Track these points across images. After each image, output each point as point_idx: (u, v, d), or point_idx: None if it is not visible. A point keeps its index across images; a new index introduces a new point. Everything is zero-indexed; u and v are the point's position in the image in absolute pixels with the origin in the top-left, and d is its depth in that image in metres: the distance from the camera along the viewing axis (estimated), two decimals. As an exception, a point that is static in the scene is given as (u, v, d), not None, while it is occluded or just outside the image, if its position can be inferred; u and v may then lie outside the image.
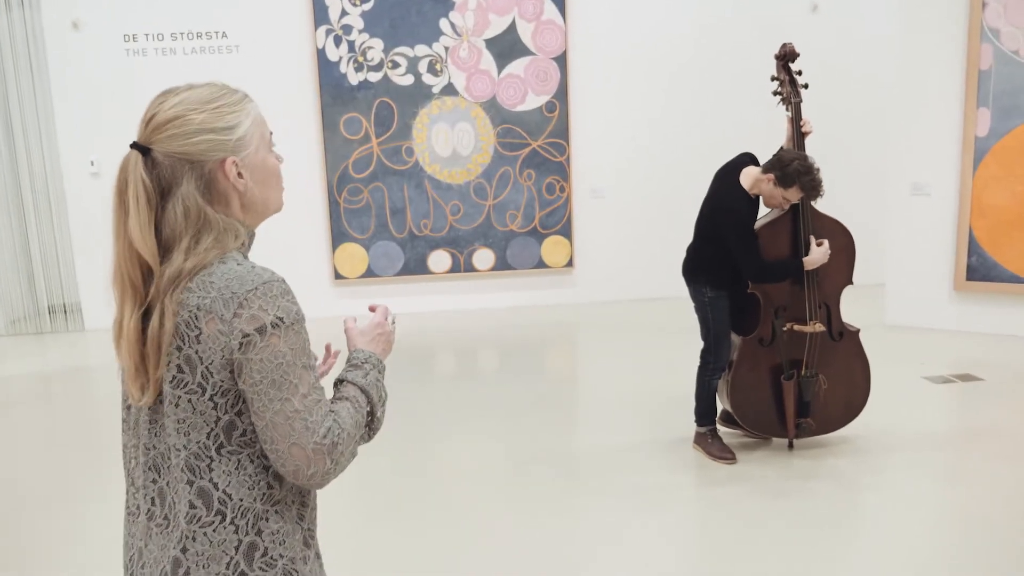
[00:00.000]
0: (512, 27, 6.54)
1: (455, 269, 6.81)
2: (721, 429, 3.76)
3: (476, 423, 4.19)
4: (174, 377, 1.09)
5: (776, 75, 3.47)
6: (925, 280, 5.57)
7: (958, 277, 5.43)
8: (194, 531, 1.10)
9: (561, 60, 6.61)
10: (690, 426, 3.67)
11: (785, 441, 3.64)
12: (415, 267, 6.76)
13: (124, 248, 1.12)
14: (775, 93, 3.47)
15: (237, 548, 1.11)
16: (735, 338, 3.51)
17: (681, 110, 6.80)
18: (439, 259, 6.78)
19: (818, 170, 3.17)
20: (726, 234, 3.31)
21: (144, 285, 1.12)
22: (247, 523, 1.12)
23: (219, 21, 6.39)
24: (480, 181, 6.73)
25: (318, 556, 1.25)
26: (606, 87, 6.73)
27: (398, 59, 6.51)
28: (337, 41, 6.43)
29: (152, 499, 1.15)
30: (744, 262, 3.27)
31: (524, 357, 5.52)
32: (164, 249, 1.11)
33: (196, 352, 1.08)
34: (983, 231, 5.31)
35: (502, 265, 6.85)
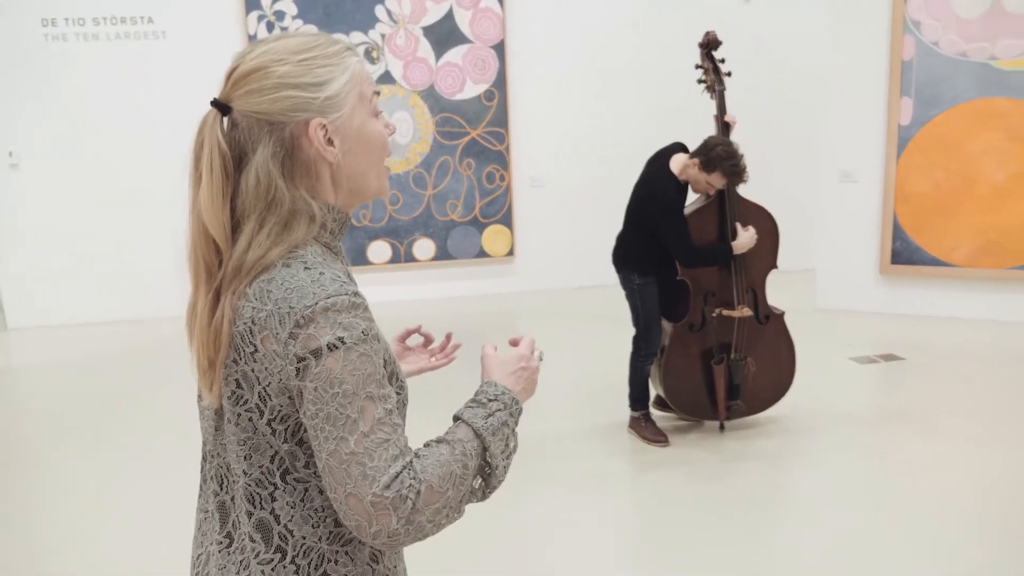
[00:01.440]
0: (449, 15, 6.48)
1: (395, 259, 6.75)
2: (655, 413, 3.83)
3: (416, 414, 4.16)
4: (233, 392, 0.95)
5: (700, 63, 3.52)
6: (853, 264, 5.75)
7: (883, 261, 5.61)
8: (249, 564, 0.98)
9: (499, 48, 6.59)
10: (626, 411, 3.72)
11: (717, 423, 3.72)
12: (354, 258, 6.68)
13: (197, 222, 0.96)
14: (699, 81, 3.52)
15: None
16: (666, 324, 3.56)
17: (619, 99, 6.85)
18: (379, 249, 6.71)
19: (741, 156, 3.24)
20: (656, 219, 3.35)
21: (219, 266, 0.96)
22: (310, 563, 0.97)
23: (144, 5, 6.17)
24: (419, 171, 6.67)
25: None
26: (545, 76, 6.74)
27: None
28: (270, 27, 6.29)
29: (211, 512, 1.03)
30: (675, 247, 3.31)
31: (466, 346, 5.50)
32: (235, 227, 0.96)
33: (252, 370, 0.93)
34: (906, 216, 5.50)
35: (443, 255, 6.81)
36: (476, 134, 6.68)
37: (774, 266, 3.55)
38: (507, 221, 6.86)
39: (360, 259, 6.69)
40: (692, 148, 3.50)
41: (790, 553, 2.74)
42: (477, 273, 6.93)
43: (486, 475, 1.01)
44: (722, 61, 3.51)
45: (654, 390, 3.74)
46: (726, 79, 3.50)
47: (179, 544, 2.25)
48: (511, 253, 6.91)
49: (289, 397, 0.93)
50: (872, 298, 5.71)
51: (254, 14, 6.24)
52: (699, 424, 3.80)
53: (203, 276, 0.97)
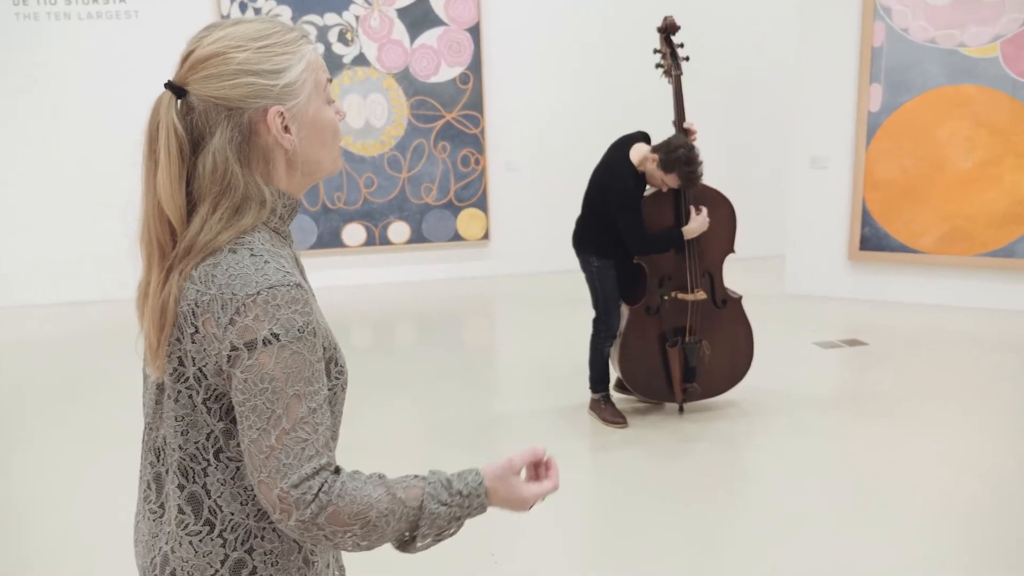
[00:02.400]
0: (424, -4, 6.45)
1: (370, 242, 6.76)
2: (616, 395, 3.87)
3: (388, 395, 4.19)
4: (175, 370, 0.98)
5: (658, 48, 3.53)
6: (823, 250, 5.79)
7: (852, 247, 5.66)
8: (180, 536, 1.01)
9: (475, 31, 6.57)
10: (588, 393, 3.76)
11: (676, 406, 3.76)
12: (329, 240, 6.68)
13: (152, 203, 0.97)
14: (657, 66, 3.53)
15: (223, 562, 1.00)
16: (624, 307, 3.59)
17: (594, 82, 6.85)
18: (353, 232, 6.71)
19: (700, 163, 3.24)
20: (612, 206, 3.36)
21: (172, 247, 0.98)
22: (236, 539, 1.00)
23: (116, -16, 6.12)
24: (394, 153, 6.66)
25: (331, 568, 1.13)
26: (520, 59, 6.73)
27: (307, 27, 6.34)
28: (243, 8, 6.24)
29: (148, 482, 1.06)
30: (627, 235, 3.34)
31: (440, 330, 5.53)
32: (191, 210, 0.98)
33: (192, 350, 0.95)
34: (875, 203, 5.54)
35: (418, 238, 6.82)
36: (451, 117, 6.67)
37: (731, 251, 3.58)
38: (482, 205, 6.86)
39: (335, 242, 6.69)
40: (652, 139, 3.52)
41: (746, 533, 2.79)
42: (452, 256, 6.94)
43: (402, 540, 1.01)
44: (680, 46, 3.52)
45: (614, 372, 3.78)
46: (684, 64, 3.50)
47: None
48: (486, 237, 6.92)
49: (224, 379, 0.95)
50: (840, 284, 5.76)
51: (227, -6, 6.19)
52: (659, 406, 3.84)
53: (156, 256, 0.98)
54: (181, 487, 1.00)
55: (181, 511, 1.00)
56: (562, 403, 3.93)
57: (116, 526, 2.86)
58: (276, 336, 0.91)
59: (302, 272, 1.09)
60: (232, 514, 1.00)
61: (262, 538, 1.02)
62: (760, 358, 4.08)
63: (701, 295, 3.48)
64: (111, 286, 6.38)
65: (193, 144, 0.98)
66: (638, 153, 3.38)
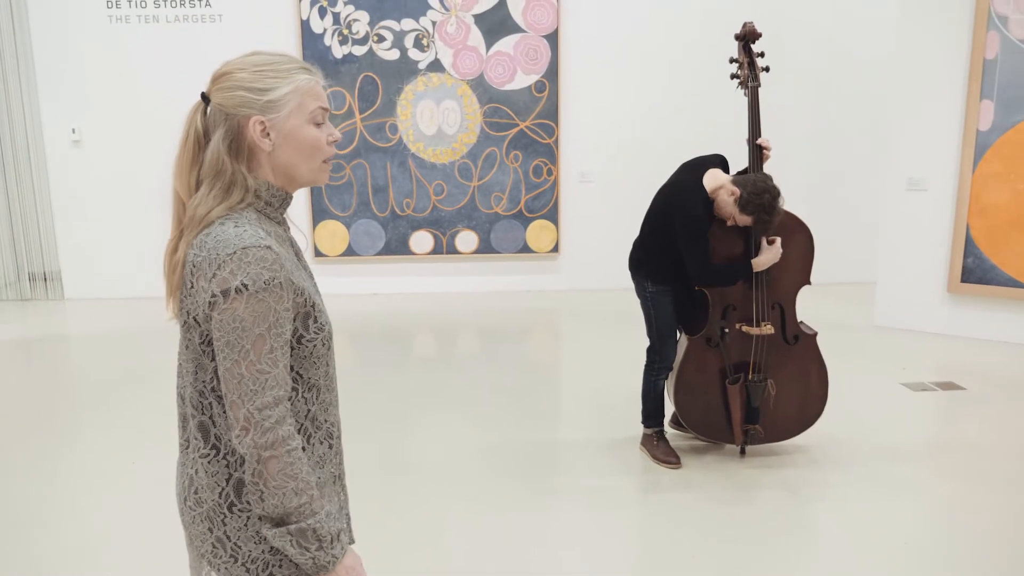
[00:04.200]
0: (502, 3, 6.32)
1: (437, 251, 6.66)
2: (672, 432, 3.60)
3: (438, 411, 4.05)
4: (184, 321, 1.20)
5: (736, 57, 3.24)
6: (918, 280, 5.31)
7: (952, 278, 5.15)
8: (197, 461, 1.22)
9: (552, 38, 6.38)
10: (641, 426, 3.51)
11: (736, 447, 3.45)
12: (396, 247, 6.62)
13: (174, 179, 1.24)
14: (733, 76, 3.24)
15: (228, 481, 1.21)
16: (682, 336, 3.32)
17: (678, 93, 6.54)
18: (421, 240, 6.64)
19: (779, 214, 2.97)
20: (677, 230, 3.10)
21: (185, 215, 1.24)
22: (236, 460, 1.21)
23: (203, -11, 6.26)
24: (465, 161, 6.55)
25: (332, 483, 1.31)
26: (599, 67, 6.50)
27: (384, 33, 6.32)
28: (322, 13, 6.27)
29: (179, 421, 1.28)
30: (691, 263, 3.07)
31: (501, 344, 5.37)
32: (198, 188, 1.23)
33: (189, 303, 1.18)
34: (981, 231, 5.02)
35: (485, 248, 6.68)
36: (525, 126, 6.51)
37: (806, 282, 3.25)
38: (553, 216, 6.66)
39: (402, 249, 6.63)
40: (729, 164, 3.24)
41: (789, 601, 2.48)
42: (520, 268, 6.77)
43: (268, 518, 1.18)
44: (761, 55, 3.22)
45: (670, 406, 3.51)
46: (763, 75, 3.20)
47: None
48: (555, 249, 6.72)
49: (209, 322, 1.15)
50: (936, 318, 5.26)
51: (307, -1, 6.23)
52: (719, 447, 3.54)
53: (175, 223, 1.23)
54: (194, 417, 1.22)
55: (195, 439, 1.23)
56: (614, 434, 3.69)
57: (159, 509, 2.82)
58: (245, 286, 1.12)
59: (298, 252, 1.32)
60: (230, 440, 1.20)
61: None
62: (838, 398, 3.72)
63: (769, 329, 3.16)
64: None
65: (206, 140, 1.23)
66: (713, 180, 3.10)
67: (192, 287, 1.17)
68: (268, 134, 1.22)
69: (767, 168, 3.23)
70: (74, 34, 6.25)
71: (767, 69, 3.21)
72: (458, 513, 3.02)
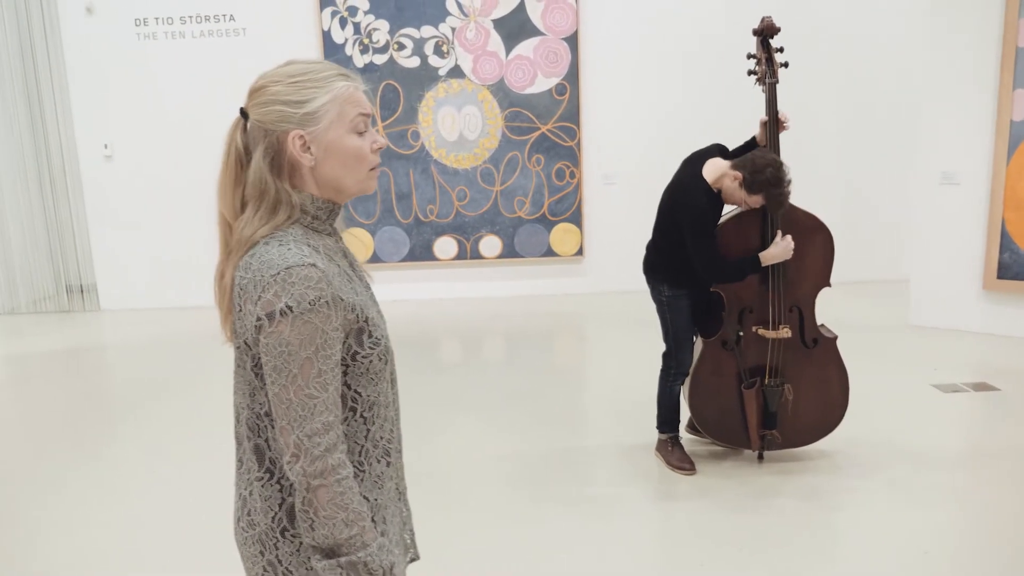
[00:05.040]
0: (521, 6, 6.30)
1: (461, 256, 6.67)
2: (688, 437, 3.53)
3: (460, 418, 4.05)
4: (237, 345, 1.18)
5: (753, 52, 3.17)
6: (953, 278, 5.14)
7: (988, 275, 4.97)
8: (251, 483, 1.20)
9: (572, 40, 6.34)
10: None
11: (755, 453, 3.37)
12: (421, 253, 6.65)
13: (219, 200, 1.21)
14: (750, 72, 3.17)
15: (280, 506, 1.18)
16: (698, 339, 3.25)
17: (699, 92, 6.45)
18: (445, 245, 6.65)
19: (789, 182, 2.89)
20: (682, 226, 3.05)
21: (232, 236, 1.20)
22: (289, 486, 1.18)
23: (226, 4, 6.36)
24: (487, 166, 6.54)
25: (396, 500, 1.29)
26: (619, 68, 6.44)
27: (404, 41, 6.36)
28: (343, 23, 6.33)
29: (235, 440, 1.25)
30: (697, 259, 3.01)
31: (521, 349, 5.34)
32: (243, 209, 1.18)
33: (239, 325, 1.15)
34: (1017, 225, 4.84)
35: (509, 253, 6.67)
36: (546, 129, 6.48)
37: (826, 284, 3.15)
38: (576, 219, 6.62)
39: (426, 255, 6.65)
40: (728, 150, 3.18)
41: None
42: (544, 272, 6.74)
43: (319, 548, 1.13)
44: (780, 50, 3.15)
45: (686, 410, 3.44)
46: (781, 71, 3.13)
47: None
48: (580, 252, 6.67)
49: (257, 345, 1.12)
50: (972, 316, 5.08)
51: (328, 10, 6.30)
52: (737, 452, 3.46)
53: (222, 246, 1.20)
54: (249, 439, 1.20)
55: (250, 460, 1.20)
56: (631, 439, 3.63)
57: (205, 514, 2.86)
58: (290, 308, 1.07)
59: (351, 261, 1.27)
60: (284, 465, 1.14)
61: None
62: (864, 401, 3.62)
63: (786, 332, 3.08)
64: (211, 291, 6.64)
65: (248, 158, 1.17)
66: (713, 169, 3.04)
67: (240, 310, 1.14)
68: (309, 148, 1.16)
69: (787, 144, 3.15)
70: (104, 54, 6.41)
71: (786, 65, 3.14)
72: (470, 521, 3.01)
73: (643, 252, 3.36)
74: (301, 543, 1.18)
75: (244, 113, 1.19)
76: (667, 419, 3.36)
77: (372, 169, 1.22)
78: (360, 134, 1.20)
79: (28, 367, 5.35)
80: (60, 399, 4.64)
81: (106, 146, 6.55)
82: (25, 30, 6.54)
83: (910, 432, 3.64)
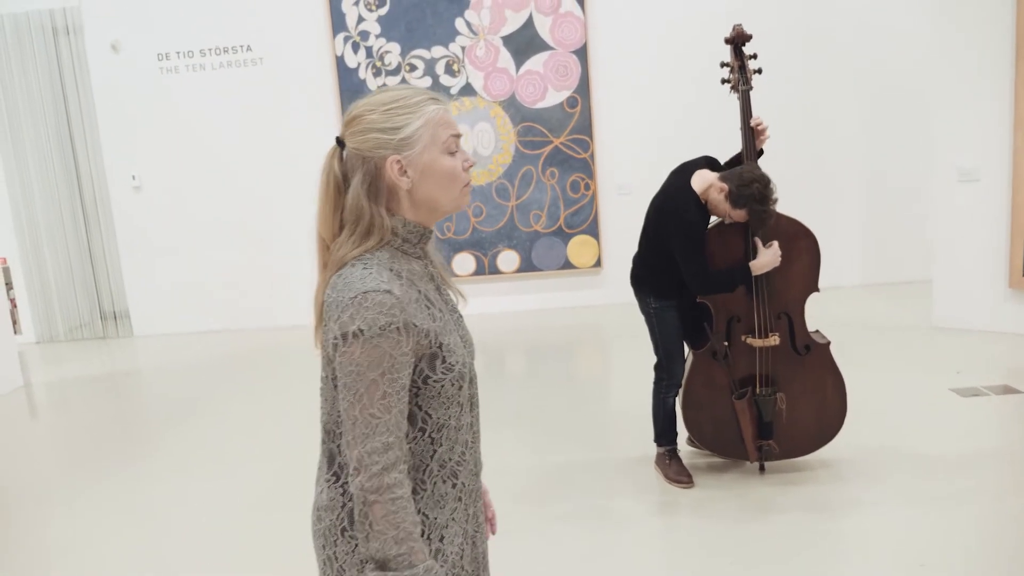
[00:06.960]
0: (529, 22, 6.34)
1: (479, 271, 6.71)
2: (687, 449, 3.48)
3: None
4: (323, 356, 1.24)
5: (726, 61, 3.14)
6: (977, 277, 4.96)
7: (1014, 273, 4.79)
8: (323, 483, 1.28)
9: (581, 53, 6.35)
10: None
11: (757, 464, 3.30)
12: (439, 271, 6.70)
13: (318, 224, 1.28)
14: (724, 81, 3.14)
15: (343, 507, 1.24)
16: (689, 351, 3.21)
17: (711, 101, 6.36)
18: (463, 261, 6.70)
19: (775, 201, 2.85)
20: (671, 239, 3.02)
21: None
22: (351, 493, 1.22)
23: (244, 35, 6.56)
24: (502, 181, 6.58)
25: (464, 522, 1.32)
26: (630, 79, 6.42)
27: (415, 62, 6.45)
28: (355, 48, 6.46)
29: (320, 444, 1.34)
30: (687, 272, 2.98)
31: (543, 362, 5.34)
32: (341, 231, 1.26)
33: (325, 341, 1.21)
34: (1042, 221, 4.66)
35: (527, 266, 6.68)
36: (559, 142, 6.49)
37: (814, 289, 3.09)
38: (593, 231, 6.60)
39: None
40: (719, 163, 3.14)
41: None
42: (563, 285, 6.73)
43: (372, 559, 1.18)
44: (753, 57, 3.11)
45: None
46: (754, 78, 3.09)
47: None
48: (598, 264, 6.64)
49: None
50: (998, 316, 4.90)
51: (340, 35, 6.44)
52: (738, 464, 3.40)
53: (320, 265, 1.27)
54: (324, 443, 1.29)
55: (324, 462, 1.29)
56: (632, 453, 3.60)
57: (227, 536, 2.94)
58: (362, 331, 1.13)
59: (437, 285, 1.32)
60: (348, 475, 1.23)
61: None
62: (876, 405, 3.52)
63: (774, 340, 3.03)
64: (258, 316, 6.80)
65: (346, 184, 1.24)
66: (702, 180, 3.01)
67: (326, 325, 1.21)
68: (406, 171, 1.22)
69: (767, 155, 3.10)
70: (130, 89, 6.66)
71: (759, 71, 3.10)
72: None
73: None
74: (357, 545, 1.23)
75: (340, 142, 1.24)
76: (663, 432, 3.32)
77: (465, 186, 1.28)
78: (452, 154, 1.26)
79: (66, 392, 5.56)
80: (97, 421, 4.81)
81: (134, 177, 6.79)
82: (56, 71, 6.84)
83: (921, 438, 3.53)
